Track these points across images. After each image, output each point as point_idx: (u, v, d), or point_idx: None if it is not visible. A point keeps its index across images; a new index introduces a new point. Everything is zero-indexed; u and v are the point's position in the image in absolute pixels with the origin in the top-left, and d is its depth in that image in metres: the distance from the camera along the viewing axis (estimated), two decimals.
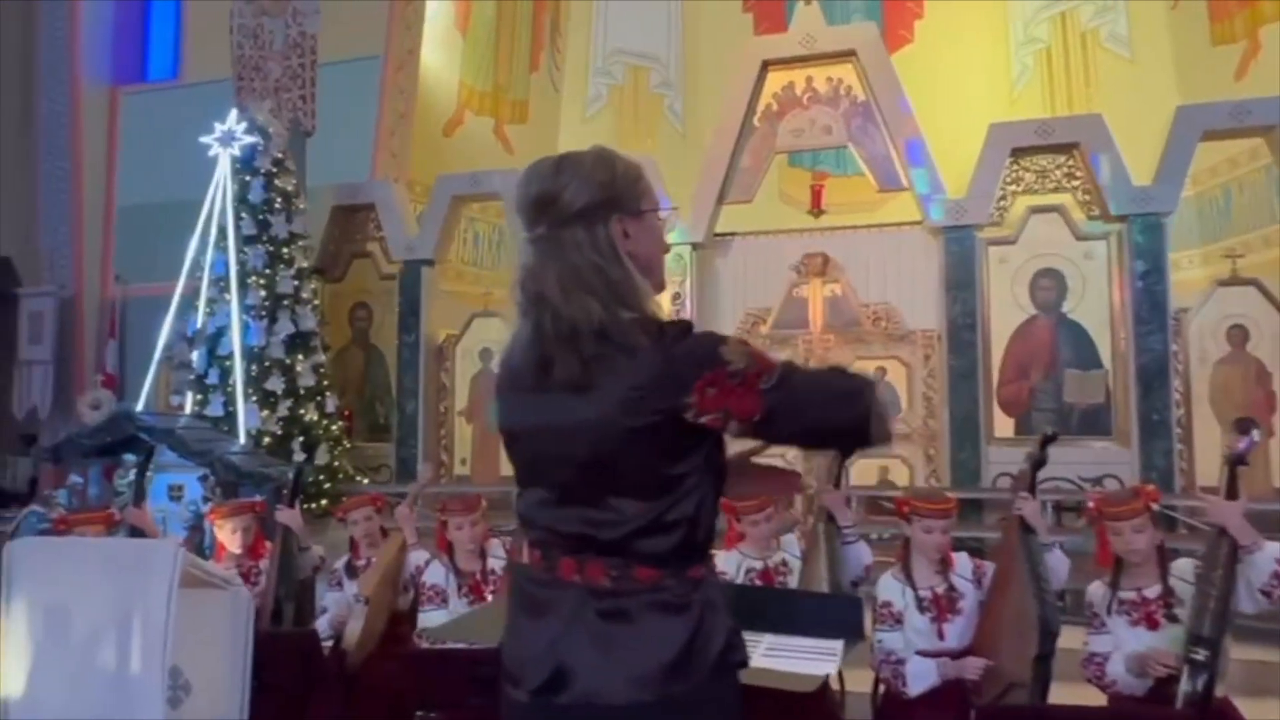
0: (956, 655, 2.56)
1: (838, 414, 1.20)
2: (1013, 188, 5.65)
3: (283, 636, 2.92)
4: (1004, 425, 5.49)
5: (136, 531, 3.52)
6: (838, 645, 1.46)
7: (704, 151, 8.72)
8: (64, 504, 5.32)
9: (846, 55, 6.01)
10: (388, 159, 7.52)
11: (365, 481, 6.40)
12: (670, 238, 6.19)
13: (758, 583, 3.01)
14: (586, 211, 1.26)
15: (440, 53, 8.21)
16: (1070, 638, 2.45)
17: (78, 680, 1.92)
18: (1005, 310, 5.58)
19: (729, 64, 8.83)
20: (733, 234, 6.52)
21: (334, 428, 6.14)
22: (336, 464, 6.06)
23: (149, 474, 5.13)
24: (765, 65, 6.22)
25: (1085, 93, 7.66)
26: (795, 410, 1.18)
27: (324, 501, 5.75)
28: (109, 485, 6.27)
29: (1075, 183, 5.54)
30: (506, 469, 6.94)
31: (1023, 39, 8.45)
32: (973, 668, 2.46)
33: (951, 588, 2.65)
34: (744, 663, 1.25)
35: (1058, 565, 2.56)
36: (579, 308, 1.21)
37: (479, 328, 6.79)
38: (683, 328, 1.22)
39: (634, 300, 1.23)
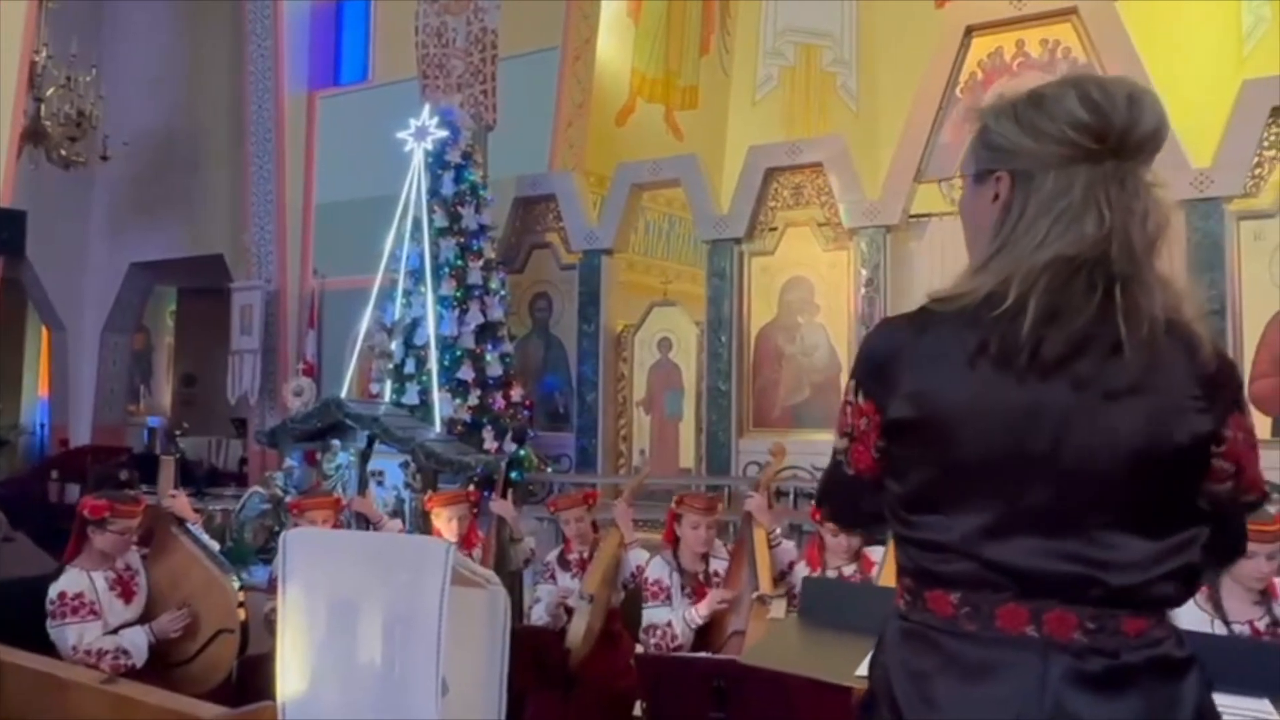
0: None
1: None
2: (1271, 153, 4.94)
3: (519, 631, 2.88)
4: (1260, 425, 4.82)
5: (362, 518, 3.62)
6: (1264, 705, 1.18)
7: (879, 132, 8.29)
8: (280, 485, 5.64)
9: (1066, 14, 5.45)
10: (565, 150, 7.55)
11: (549, 470, 6.45)
12: (856, 220, 5.93)
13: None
14: (1156, 150, 1.03)
15: (613, 41, 8.17)
16: None
17: (350, 677, 1.89)
18: (1261, 294, 4.89)
19: (908, 38, 8.33)
20: (928, 215, 6.09)
21: (520, 416, 6.21)
22: (523, 453, 6.13)
23: (353, 461, 5.38)
24: (969, 30, 5.74)
25: None
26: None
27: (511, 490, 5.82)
28: (309, 469, 6.62)
29: None
30: (685, 461, 6.81)
31: None
32: None
33: (1276, 621, 2.26)
34: None
35: None
36: (1153, 283, 0.97)
37: (658, 317, 6.70)
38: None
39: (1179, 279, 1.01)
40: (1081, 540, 0.95)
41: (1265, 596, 2.28)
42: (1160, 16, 7.04)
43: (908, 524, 1.05)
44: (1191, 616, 2.33)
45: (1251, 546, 2.25)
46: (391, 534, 3.14)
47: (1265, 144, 4.94)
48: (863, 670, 1.23)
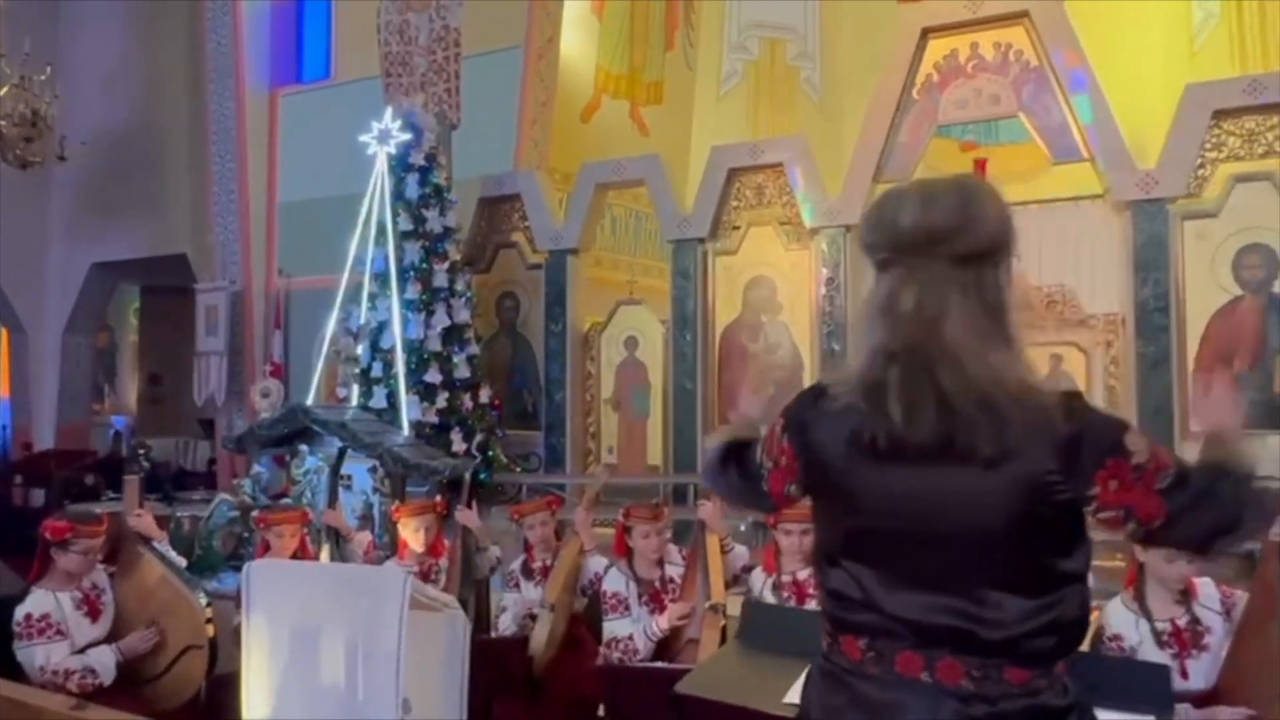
0: (1200, 700, 2.31)
1: (1227, 518, 1.05)
2: (1213, 155, 5.10)
3: (483, 643, 2.95)
4: None
5: (332, 531, 3.67)
6: None
7: (843, 126, 8.39)
8: (249, 492, 5.65)
9: (1018, 17, 5.56)
10: (530, 148, 7.57)
11: (517, 470, 6.52)
12: (817, 220, 6.02)
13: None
14: (992, 252, 1.12)
15: (578, 38, 8.18)
16: None
17: (314, 701, 1.95)
18: (1203, 291, 5.06)
19: (871, 32, 8.42)
20: None
21: (487, 417, 6.27)
22: (491, 454, 6.19)
23: (322, 466, 5.40)
24: (925, 33, 5.83)
25: None
26: (1195, 518, 1.04)
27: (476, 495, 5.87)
28: (279, 472, 6.63)
29: None
30: (653, 459, 6.88)
31: None
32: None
33: (1195, 620, 2.40)
34: None
35: None
36: (991, 365, 1.06)
37: (624, 316, 6.76)
38: (1084, 402, 1.08)
39: (1023, 360, 1.10)
40: (963, 598, 1.07)
41: (1185, 596, 2.42)
42: (1111, 16, 7.19)
43: (824, 573, 1.17)
44: (1119, 616, 2.47)
45: (1173, 551, 2.40)
46: (351, 565, 3.18)
47: (1207, 146, 5.09)
48: (790, 698, 1.32)
